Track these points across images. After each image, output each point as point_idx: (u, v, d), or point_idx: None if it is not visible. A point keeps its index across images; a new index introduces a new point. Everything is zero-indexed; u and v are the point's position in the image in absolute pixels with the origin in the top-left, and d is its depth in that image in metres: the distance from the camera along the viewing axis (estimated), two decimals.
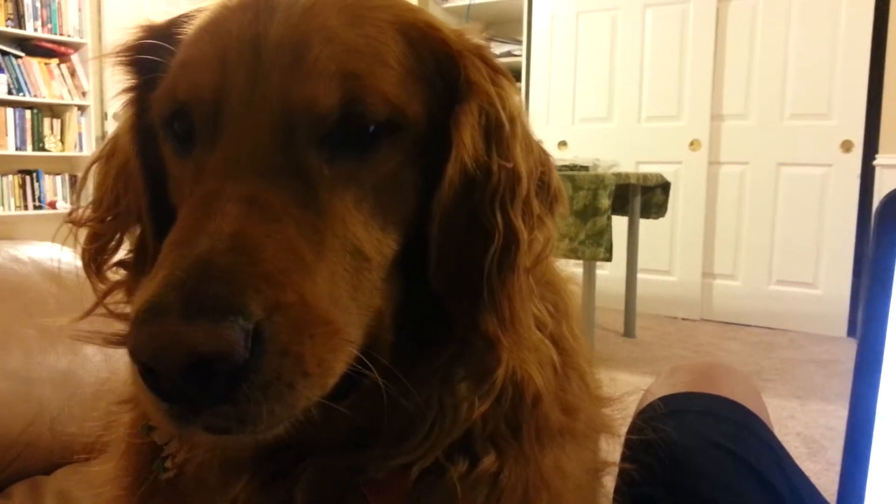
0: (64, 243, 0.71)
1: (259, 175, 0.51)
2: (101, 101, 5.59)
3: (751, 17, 4.69)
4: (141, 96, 0.64)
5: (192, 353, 0.42)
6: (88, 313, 0.67)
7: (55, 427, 1.13)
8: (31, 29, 5.15)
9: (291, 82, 0.52)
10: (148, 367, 0.44)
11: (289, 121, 0.52)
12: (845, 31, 4.39)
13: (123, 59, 0.65)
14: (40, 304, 1.20)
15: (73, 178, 5.59)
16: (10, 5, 5.03)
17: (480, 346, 0.58)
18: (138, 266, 0.67)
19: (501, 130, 0.58)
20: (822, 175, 4.53)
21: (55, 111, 5.45)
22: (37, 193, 5.39)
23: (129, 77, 0.65)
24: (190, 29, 0.59)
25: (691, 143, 4.88)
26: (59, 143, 5.42)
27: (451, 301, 0.58)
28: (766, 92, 4.67)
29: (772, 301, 4.75)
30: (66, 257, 0.73)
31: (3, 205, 5.21)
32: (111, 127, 5.54)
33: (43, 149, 5.31)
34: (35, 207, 5.35)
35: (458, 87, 0.58)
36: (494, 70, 0.61)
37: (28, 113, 5.23)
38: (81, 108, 5.49)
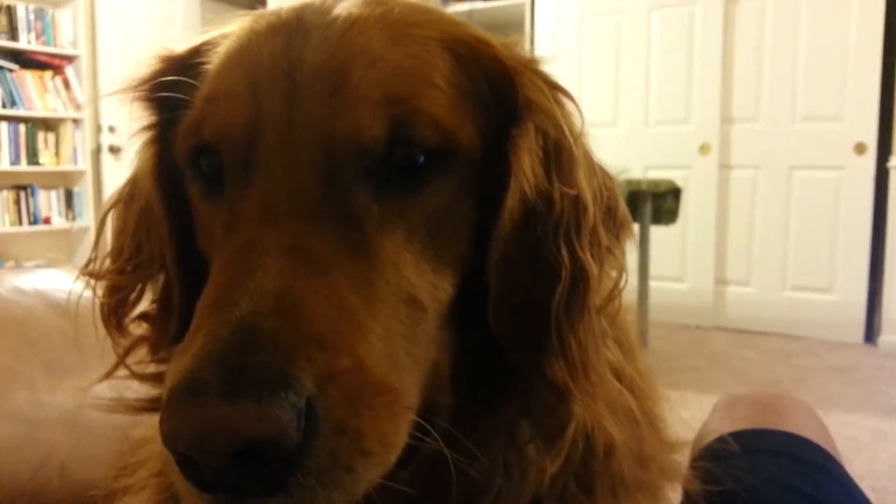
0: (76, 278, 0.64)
1: (301, 219, 0.46)
2: (96, 114, 5.53)
3: (759, 18, 4.64)
4: (162, 134, 0.59)
5: (239, 441, 0.37)
6: (109, 375, 0.62)
7: (66, 473, 1.05)
8: (24, 41, 5.13)
9: (333, 112, 0.48)
10: (185, 456, 0.38)
11: (331, 155, 0.48)
12: (856, 30, 4.34)
13: (142, 94, 0.60)
14: (46, 338, 1.11)
15: (67, 193, 5.55)
16: (4, 18, 5.00)
17: (549, 398, 0.54)
18: (163, 319, 0.62)
19: (562, 153, 0.53)
20: (835, 178, 4.48)
21: (49, 125, 5.41)
22: (31, 209, 5.32)
23: (148, 114, 0.61)
24: (215, 57, 0.54)
25: (701, 148, 4.82)
26: (55, 157, 5.39)
27: (513, 348, 0.53)
28: (776, 94, 4.62)
29: (787, 307, 4.68)
30: (77, 289, 0.66)
31: None
32: (106, 140, 5.48)
33: (37, 163, 5.26)
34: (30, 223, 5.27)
35: (513, 107, 0.53)
36: (552, 87, 0.56)
37: (22, 127, 5.19)
38: (76, 121, 5.45)
